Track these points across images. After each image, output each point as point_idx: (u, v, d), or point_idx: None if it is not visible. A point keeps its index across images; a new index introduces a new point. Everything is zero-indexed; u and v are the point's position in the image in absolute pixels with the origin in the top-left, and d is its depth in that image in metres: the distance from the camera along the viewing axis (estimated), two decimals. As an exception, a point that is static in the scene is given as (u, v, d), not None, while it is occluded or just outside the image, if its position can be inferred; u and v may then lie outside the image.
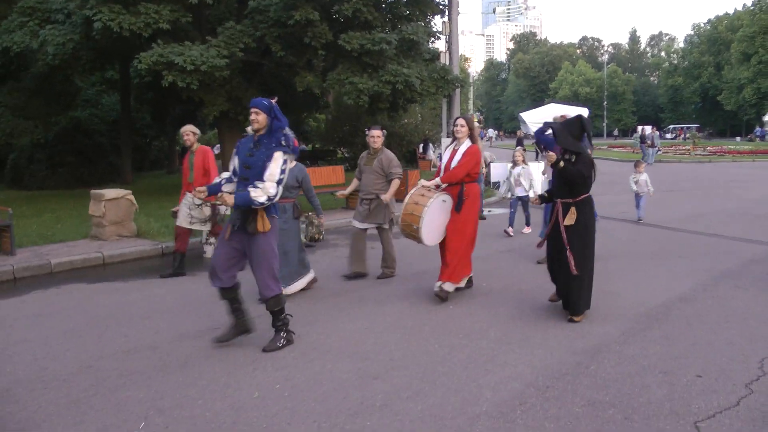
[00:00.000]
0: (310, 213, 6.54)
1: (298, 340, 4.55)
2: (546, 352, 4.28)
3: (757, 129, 52.41)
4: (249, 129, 4.40)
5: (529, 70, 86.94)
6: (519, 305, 5.44)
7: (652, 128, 31.94)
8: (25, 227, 9.44)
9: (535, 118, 16.32)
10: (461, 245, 5.61)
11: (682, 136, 54.29)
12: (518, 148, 11.96)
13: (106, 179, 17.73)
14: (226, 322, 4.60)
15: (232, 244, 4.32)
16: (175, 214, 7.14)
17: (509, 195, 9.65)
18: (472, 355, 4.25)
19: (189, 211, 6.96)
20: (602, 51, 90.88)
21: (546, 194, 5.35)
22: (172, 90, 12.55)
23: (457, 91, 16.02)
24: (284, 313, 4.46)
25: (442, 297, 5.53)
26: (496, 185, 14.84)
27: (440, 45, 18.56)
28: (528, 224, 9.43)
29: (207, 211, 7.08)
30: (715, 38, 65.80)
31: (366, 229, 6.58)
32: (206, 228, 7.27)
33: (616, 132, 71.60)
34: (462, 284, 5.81)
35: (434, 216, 5.52)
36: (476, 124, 6.44)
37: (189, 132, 7.00)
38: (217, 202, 5.31)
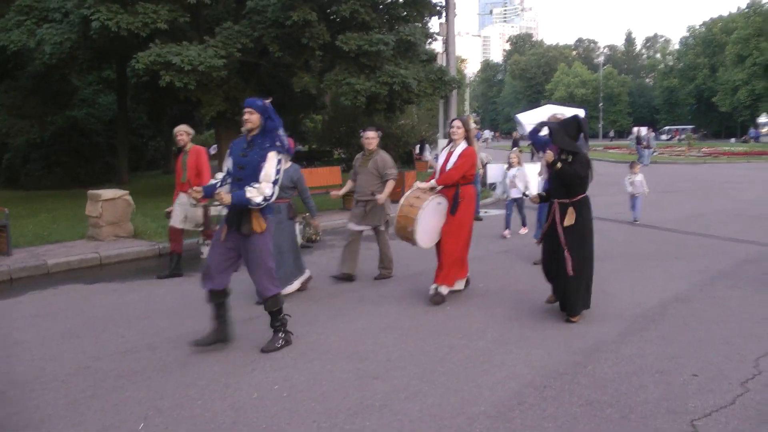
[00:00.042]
0: (306, 214, 6.54)
1: (297, 341, 4.55)
2: (544, 352, 4.30)
3: (752, 130, 52.60)
4: (243, 129, 4.40)
5: (525, 72, 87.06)
6: (516, 306, 5.46)
7: (648, 129, 32.03)
8: (21, 227, 9.41)
9: (531, 120, 16.36)
10: (456, 247, 5.61)
11: (678, 137, 54.50)
12: (514, 149, 11.99)
13: (103, 179, 17.70)
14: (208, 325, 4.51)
15: (228, 244, 4.30)
16: (169, 215, 7.13)
17: (505, 197, 9.68)
18: (470, 355, 4.27)
19: (184, 212, 6.95)
20: (598, 52, 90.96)
21: (544, 194, 5.36)
22: (169, 90, 12.54)
23: (454, 92, 16.06)
24: (282, 314, 4.46)
25: (437, 302, 5.52)
26: (493, 186, 14.85)
27: (437, 46, 18.63)
28: (524, 225, 9.46)
29: (200, 212, 7.07)
30: (710, 40, 66.15)
31: (362, 231, 6.58)
32: (200, 229, 7.25)
33: (612, 133, 71.71)
34: (459, 287, 5.80)
35: (429, 218, 5.53)
36: (473, 125, 6.45)
37: (182, 132, 6.94)
38: (210, 204, 5.29)
